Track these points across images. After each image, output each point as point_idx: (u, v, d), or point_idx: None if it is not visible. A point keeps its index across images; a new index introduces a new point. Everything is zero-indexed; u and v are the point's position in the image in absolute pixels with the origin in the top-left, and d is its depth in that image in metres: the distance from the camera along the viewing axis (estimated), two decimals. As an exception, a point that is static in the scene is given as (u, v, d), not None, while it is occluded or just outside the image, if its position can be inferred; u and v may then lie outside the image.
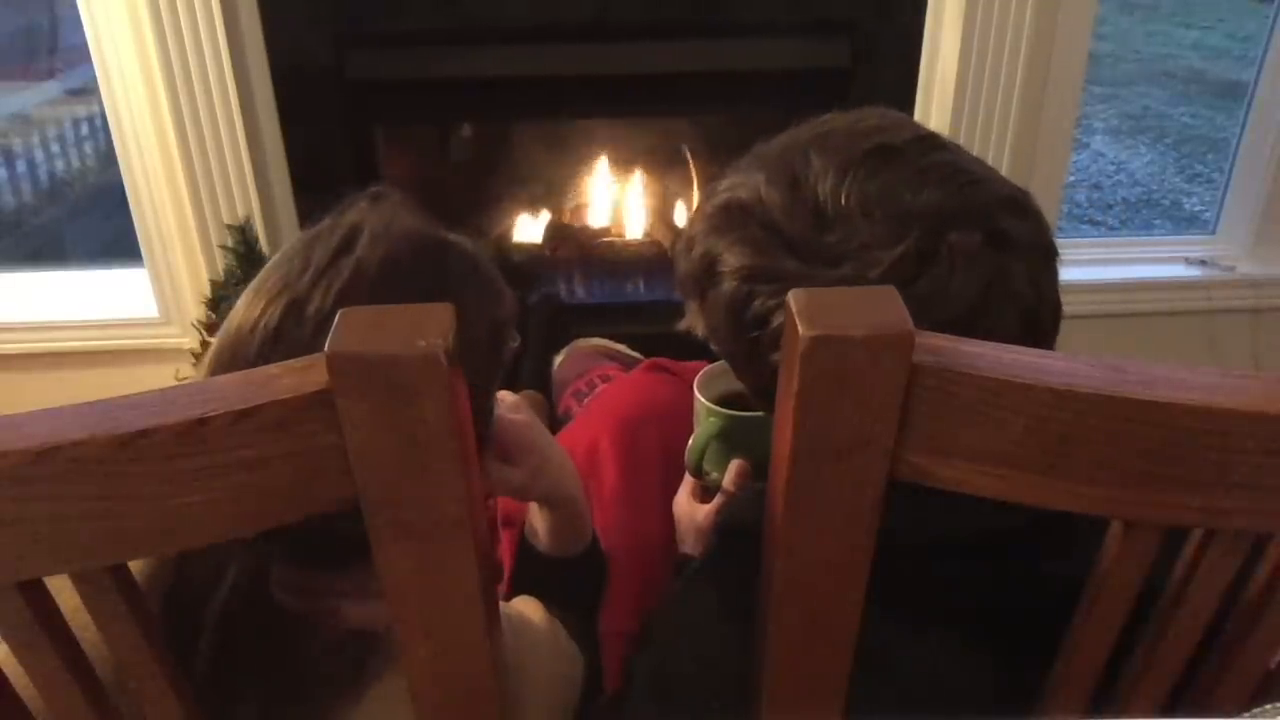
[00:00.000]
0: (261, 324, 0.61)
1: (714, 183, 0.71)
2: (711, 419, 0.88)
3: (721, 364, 0.94)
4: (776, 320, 0.63)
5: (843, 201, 0.62)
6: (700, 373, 0.92)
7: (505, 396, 0.78)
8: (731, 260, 0.65)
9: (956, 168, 0.65)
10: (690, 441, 0.91)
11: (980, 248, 0.61)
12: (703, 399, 0.90)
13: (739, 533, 0.70)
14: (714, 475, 0.90)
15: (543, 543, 0.85)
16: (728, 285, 0.65)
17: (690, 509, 0.94)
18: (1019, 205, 0.65)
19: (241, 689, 0.64)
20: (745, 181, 0.67)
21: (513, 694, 0.68)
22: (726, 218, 0.67)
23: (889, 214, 0.61)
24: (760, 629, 0.57)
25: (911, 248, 0.60)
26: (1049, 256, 0.65)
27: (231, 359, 0.61)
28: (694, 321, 0.72)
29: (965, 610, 0.64)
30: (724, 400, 0.88)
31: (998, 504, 0.49)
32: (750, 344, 0.65)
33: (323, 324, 0.58)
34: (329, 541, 0.58)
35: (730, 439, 0.88)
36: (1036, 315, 0.63)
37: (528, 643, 0.74)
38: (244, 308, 0.63)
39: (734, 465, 0.86)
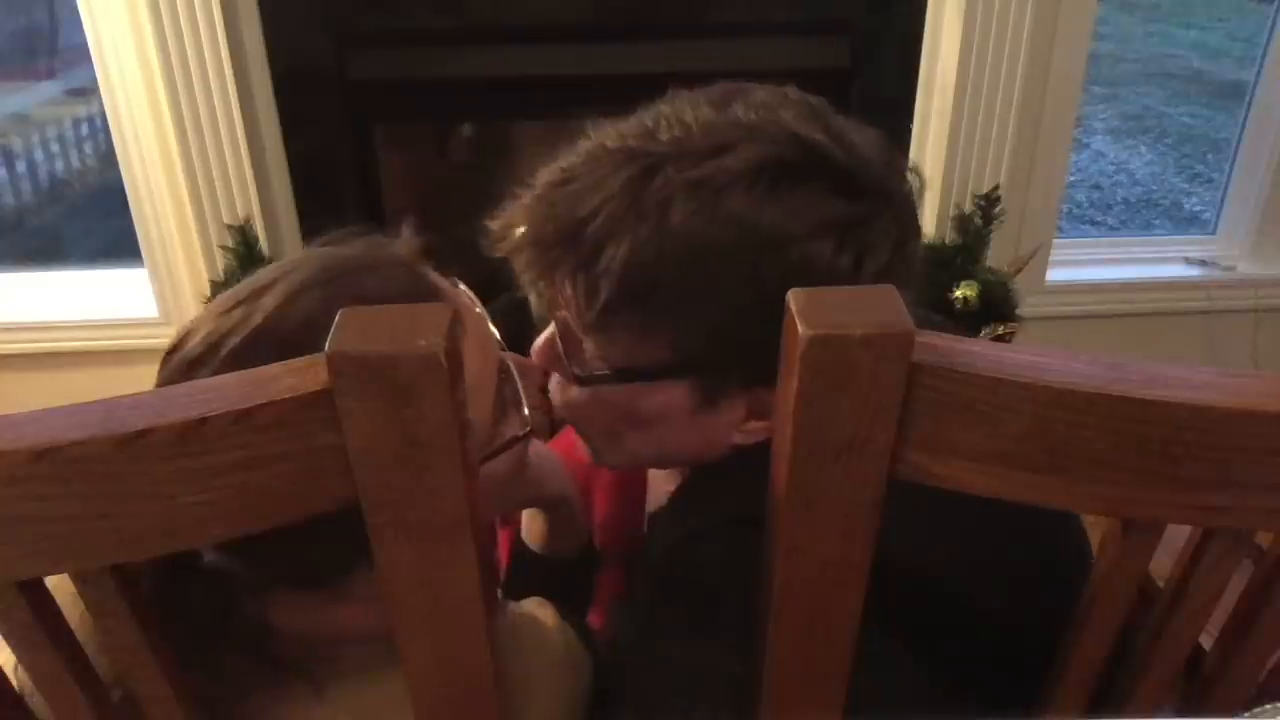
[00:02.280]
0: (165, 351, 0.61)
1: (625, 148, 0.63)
2: None
3: None
4: (869, 266, 0.61)
5: (860, 144, 0.64)
6: None
7: None
8: (813, 216, 0.60)
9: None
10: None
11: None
12: None
13: (676, 547, 0.69)
14: None
15: (537, 543, 0.85)
16: (802, 249, 0.59)
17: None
18: None
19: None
20: (751, 131, 0.62)
21: (519, 695, 0.67)
22: (779, 171, 0.60)
23: (886, 154, 0.65)
24: (760, 629, 0.57)
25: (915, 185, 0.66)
26: None
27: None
28: (625, 329, 0.64)
29: (951, 608, 0.64)
30: None
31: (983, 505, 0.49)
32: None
33: (177, 370, 0.58)
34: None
35: None
36: None
37: (538, 646, 0.74)
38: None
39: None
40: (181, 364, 0.59)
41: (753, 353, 0.58)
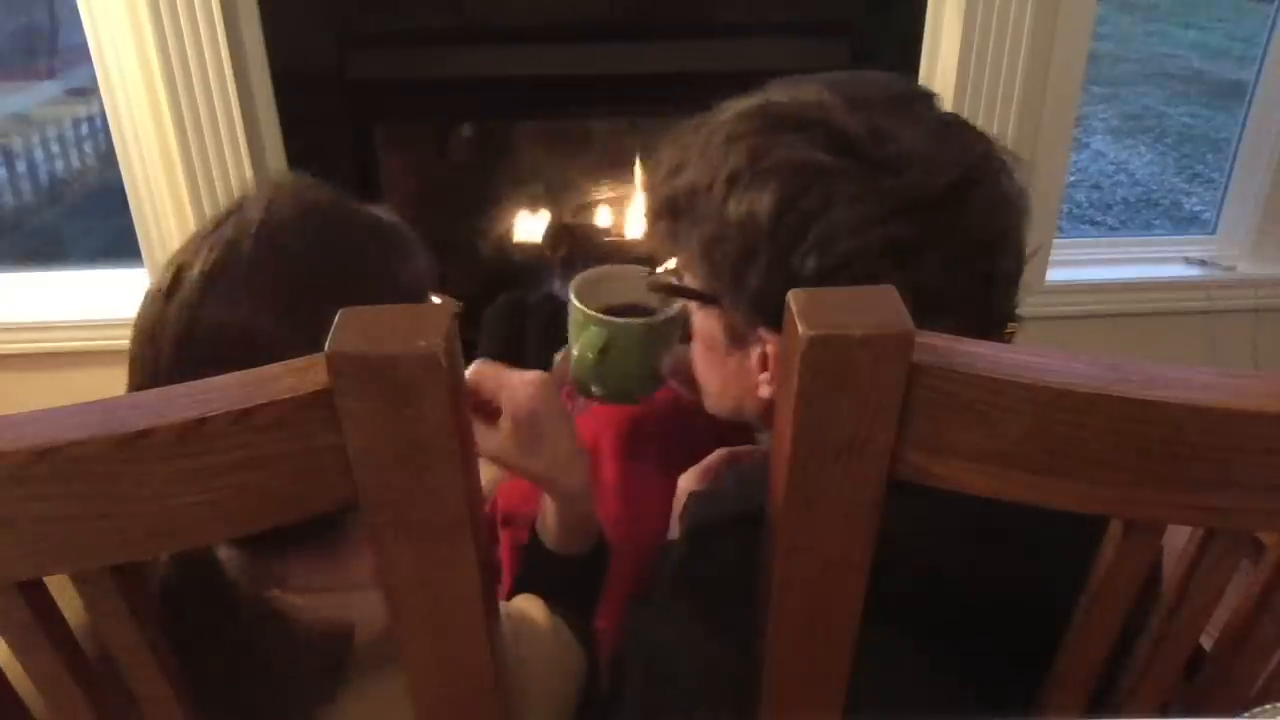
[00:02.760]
0: (156, 291, 0.64)
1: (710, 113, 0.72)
2: (594, 329, 0.83)
3: (599, 270, 0.90)
4: (827, 218, 0.63)
5: (897, 122, 0.65)
6: (577, 279, 0.87)
7: (526, 374, 0.75)
8: (784, 154, 0.65)
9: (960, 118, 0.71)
10: (574, 356, 0.85)
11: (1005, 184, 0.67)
12: (584, 307, 0.84)
13: (707, 531, 0.70)
14: (598, 392, 0.87)
15: (551, 538, 0.84)
16: (773, 183, 0.64)
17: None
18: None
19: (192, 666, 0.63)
20: (785, 93, 0.68)
21: (515, 694, 0.67)
22: (779, 119, 0.67)
23: (939, 141, 0.66)
24: (760, 629, 0.57)
25: (970, 167, 0.65)
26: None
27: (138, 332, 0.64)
28: (670, 241, 0.72)
29: (950, 607, 0.64)
30: (606, 311, 0.84)
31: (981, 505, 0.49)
32: (771, 251, 0.64)
33: (199, 287, 0.62)
34: None
35: (615, 350, 0.83)
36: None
37: (529, 642, 0.74)
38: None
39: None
40: (203, 280, 0.62)
41: (740, 283, 0.67)
